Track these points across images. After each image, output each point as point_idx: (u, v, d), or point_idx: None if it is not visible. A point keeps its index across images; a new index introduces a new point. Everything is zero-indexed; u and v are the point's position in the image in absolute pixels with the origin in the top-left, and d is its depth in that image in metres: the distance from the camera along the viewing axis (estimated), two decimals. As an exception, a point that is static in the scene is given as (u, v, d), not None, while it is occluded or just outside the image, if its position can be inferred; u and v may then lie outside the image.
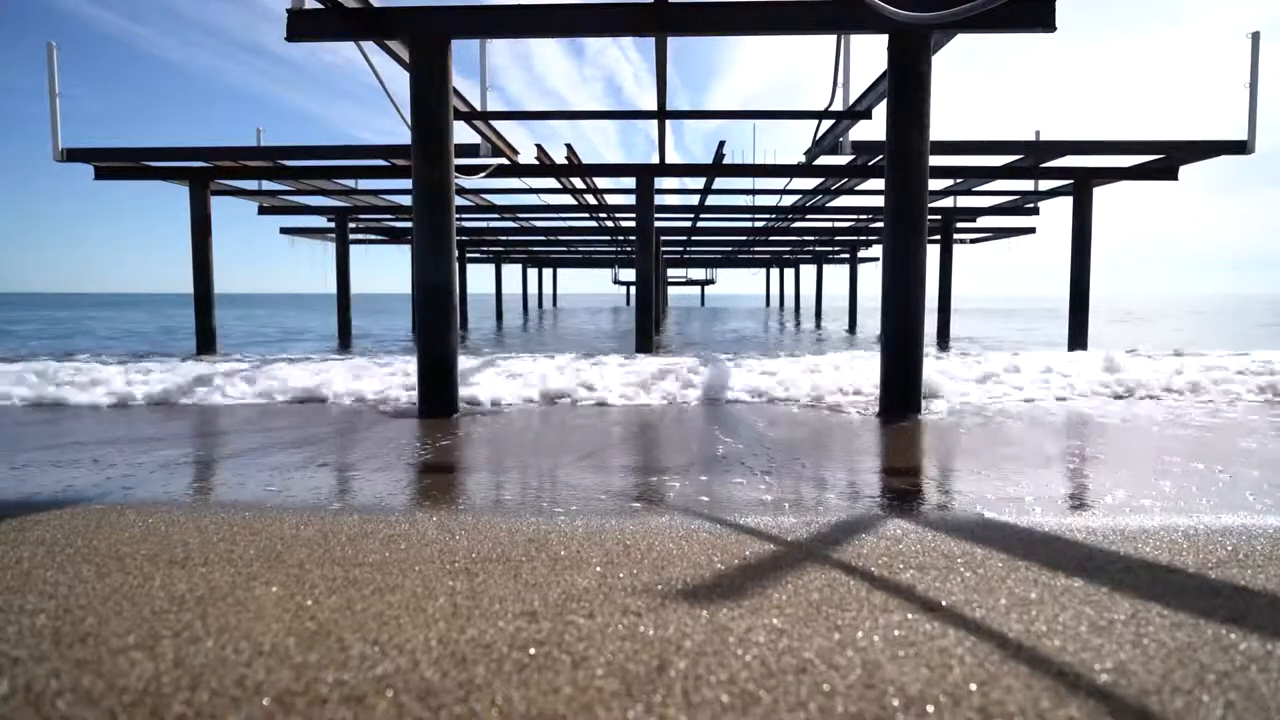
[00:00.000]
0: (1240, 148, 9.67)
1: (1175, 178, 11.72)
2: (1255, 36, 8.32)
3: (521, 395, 6.57)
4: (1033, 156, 10.93)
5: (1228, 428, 5.04)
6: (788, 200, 14.78)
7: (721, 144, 10.50)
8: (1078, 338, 12.40)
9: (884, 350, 6.27)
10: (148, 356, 10.69)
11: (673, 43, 7.04)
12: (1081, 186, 12.52)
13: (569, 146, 10.50)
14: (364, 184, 13.10)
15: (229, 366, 8.05)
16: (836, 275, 40.01)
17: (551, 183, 12.29)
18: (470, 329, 21.76)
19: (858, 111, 7.97)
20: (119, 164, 11.11)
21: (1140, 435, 4.86)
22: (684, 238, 21.44)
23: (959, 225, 18.30)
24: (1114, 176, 12.20)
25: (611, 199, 15.05)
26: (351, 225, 18.19)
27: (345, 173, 11.64)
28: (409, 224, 17.49)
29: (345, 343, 15.79)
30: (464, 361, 7.46)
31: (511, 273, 75.20)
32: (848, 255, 27.23)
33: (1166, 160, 11.31)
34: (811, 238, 23.07)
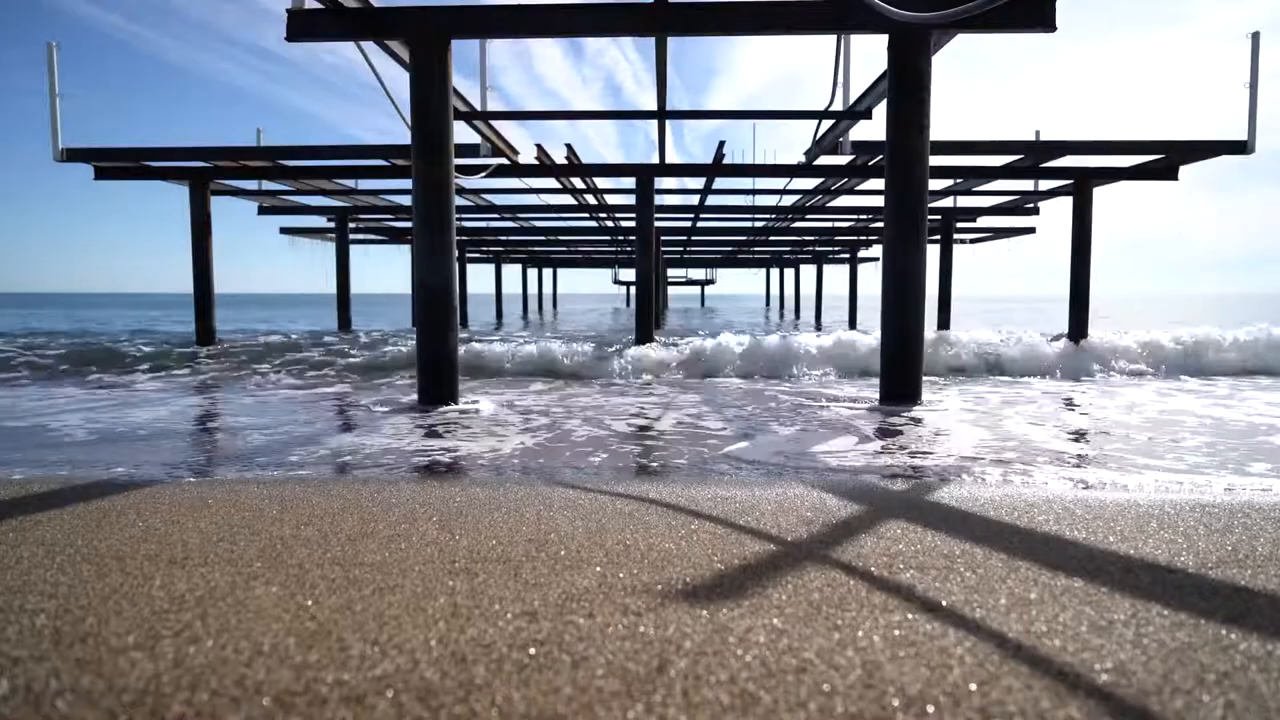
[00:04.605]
0: (1240, 148, 9.68)
1: (1175, 178, 11.73)
2: (1255, 36, 8.33)
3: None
4: (1033, 156, 10.93)
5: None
6: (788, 200, 14.79)
7: (721, 144, 10.50)
8: (1077, 337, 12.41)
9: (884, 349, 6.28)
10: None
11: (673, 43, 7.05)
12: (1081, 186, 12.52)
13: (569, 146, 10.51)
14: (364, 184, 13.11)
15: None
16: (836, 275, 40.01)
17: (551, 183, 12.30)
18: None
19: (858, 111, 7.98)
20: (119, 164, 11.12)
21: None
22: (684, 238, 21.45)
23: (959, 225, 18.30)
24: (1114, 176, 12.21)
25: (611, 199, 15.05)
26: (351, 225, 18.20)
27: (345, 173, 11.65)
28: (409, 224, 17.49)
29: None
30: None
31: (511, 273, 75.22)
32: (848, 255, 27.24)
33: (1166, 160, 11.32)
34: (811, 238, 23.08)
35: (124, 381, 8.49)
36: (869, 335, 9.27)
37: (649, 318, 12.66)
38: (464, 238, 21.10)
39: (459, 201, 13.45)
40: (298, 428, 5.36)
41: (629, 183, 12.70)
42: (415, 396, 6.53)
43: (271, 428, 5.34)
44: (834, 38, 7.48)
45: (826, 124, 8.96)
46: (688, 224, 18.50)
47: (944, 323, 17.11)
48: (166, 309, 43.35)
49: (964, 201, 15.89)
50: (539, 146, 10.38)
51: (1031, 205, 15.71)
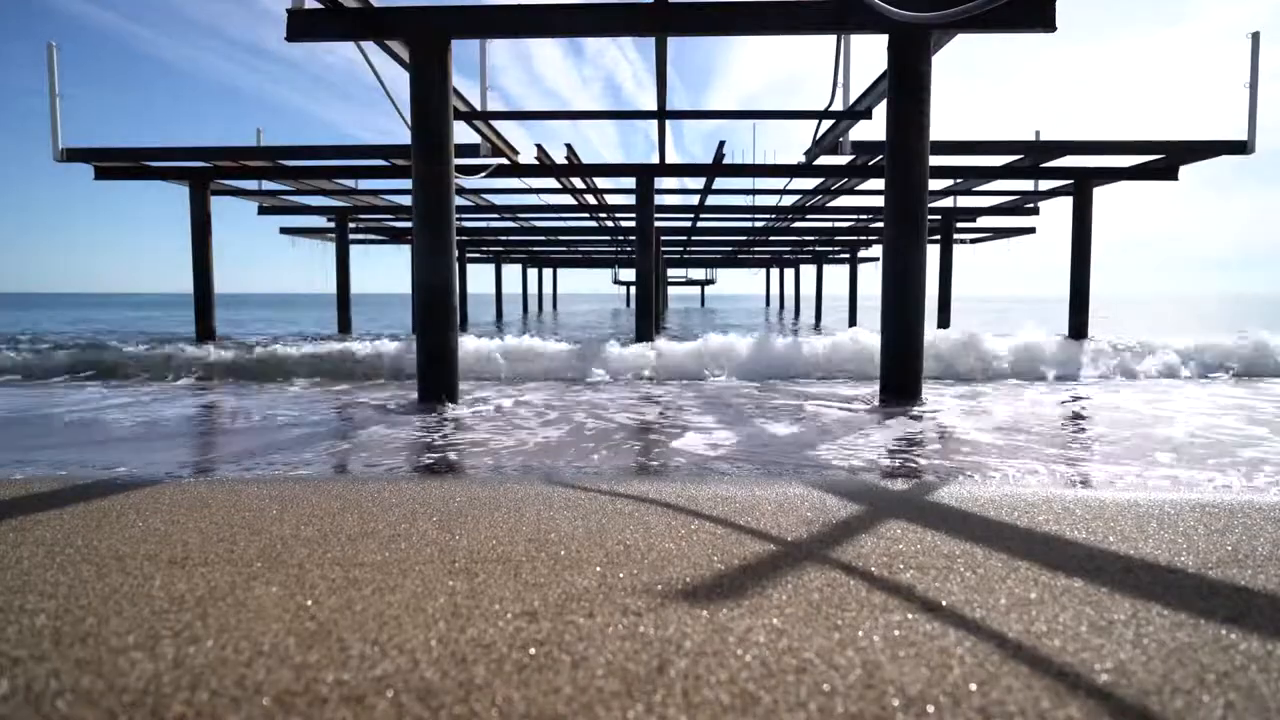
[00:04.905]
0: (1240, 148, 9.68)
1: (1175, 178, 11.73)
2: (1255, 36, 8.33)
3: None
4: (1033, 156, 10.93)
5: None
6: (788, 200, 14.79)
7: (721, 144, 10.50)
8: (1077, 337, 12.41)
9: (884, 349, 6.28)
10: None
11: (672, 43, 7.05)
12: (1081, 186, 12.53)
13: (569, 146, 10.51)
14: (364, 184, 13.11)
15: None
16: (836, 275, 40.02)
17: (551, 183, 12.30)
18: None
19: (858, 111, 7.98)
20: (119, 164, 11.12)
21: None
22: (684, 238, 21.46)
23: (959, 225, 18.30)
24: (1114, 176, 12.21)
25: (611, 199, 15.06)
26: (351, 225, 18.21)
27: (345, 173, 11.64)
28: (409, 224, 17.49)
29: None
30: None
31: (511, 273, 75.33)
32: (848, 255, 27.24)
33: (1166, 160, 11.32)
34: (811, 238, 23.08)
35: (132, 380, 8.50)
36: (870, 334, 9.27)
37: (649, 317, 12.67)
38: (464, 238, 21.11)
39: (459, 201, 13.45)
40: (296, 429, 5.36)
41: (629, 183, 12.70)
42: (416, 396, 6.53)
43: (271, 430, 5.35)
44: (834, 38, 7.48)
45: (826, 124, 8.96)
46: (688, 224, 18.50)
47: (944, 322, 17.13)
48: (167, 308, 43.43)
49: (964, 201, 15.89)
50: (539, 146, 10.38)
51: (1031, 205, 15.71)
